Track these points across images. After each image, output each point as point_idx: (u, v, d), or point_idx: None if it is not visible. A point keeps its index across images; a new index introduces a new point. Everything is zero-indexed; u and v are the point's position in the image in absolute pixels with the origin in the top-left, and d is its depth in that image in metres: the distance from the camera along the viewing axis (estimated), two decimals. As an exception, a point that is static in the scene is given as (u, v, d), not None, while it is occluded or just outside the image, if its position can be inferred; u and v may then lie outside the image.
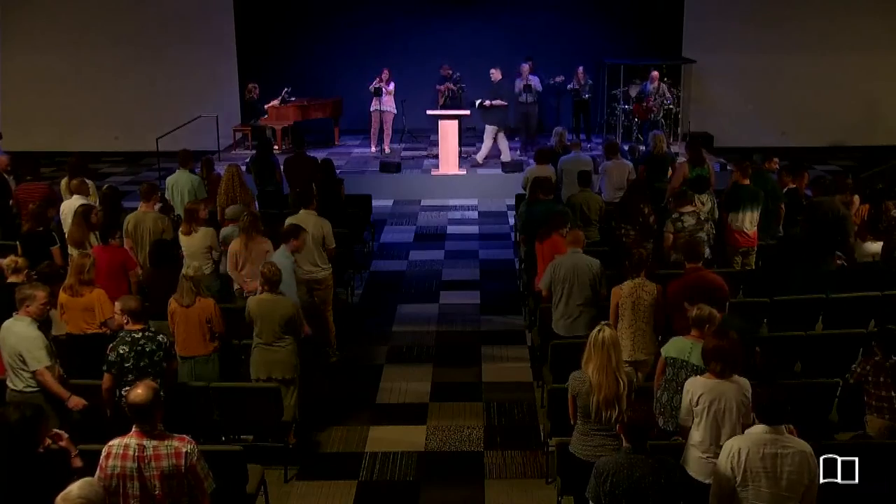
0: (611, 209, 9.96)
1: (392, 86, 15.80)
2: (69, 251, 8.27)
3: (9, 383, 5.85)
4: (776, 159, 10.27)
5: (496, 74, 14.93)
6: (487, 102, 14.61)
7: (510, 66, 16.32)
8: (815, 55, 17.31)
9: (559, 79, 16.42)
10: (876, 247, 8.56)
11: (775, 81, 17.43)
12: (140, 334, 5.72)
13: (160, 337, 5.78)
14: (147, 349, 5.69)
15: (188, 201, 9.18)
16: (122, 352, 5.66)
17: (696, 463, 4.95)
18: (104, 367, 5.72)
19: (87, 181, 9.73)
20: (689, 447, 5.01)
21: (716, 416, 4.89)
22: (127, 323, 5.82)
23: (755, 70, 17.34)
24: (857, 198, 9.35)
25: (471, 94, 15.37)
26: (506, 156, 14.90)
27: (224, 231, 8.52)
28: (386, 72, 15.73)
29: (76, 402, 5.86)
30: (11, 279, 6.82)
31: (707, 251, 8.15)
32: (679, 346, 5.63)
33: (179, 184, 9.98)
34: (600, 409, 5.00)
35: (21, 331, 5.81)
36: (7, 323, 5.90)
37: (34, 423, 4.51)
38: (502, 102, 14.69)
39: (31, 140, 16.70)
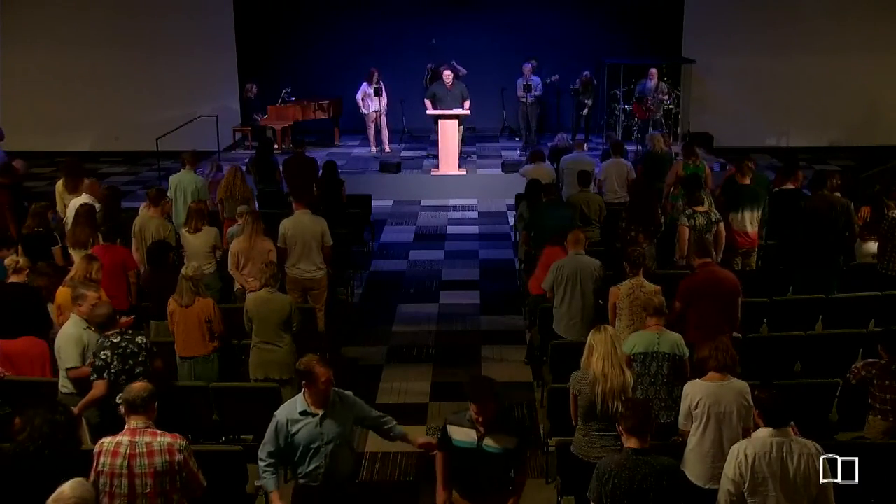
0: (613, 209, 9.98)
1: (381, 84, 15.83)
2: (69, 251, 8.27)
3: None
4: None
5: (449, 77, 14.76)
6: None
7: (510, 67, 16.38)
8: (815, 55, 17.29)
9: (554, 78, 16.46)
10: (876, 247, 8.54)
11: (775, 81, 17.42)
12: (119, 338, 5.67)
13: (139, 339, 5.73)
14: (129, 351, 5.63)
15: (192, 201, 9.17)
16: (104, 357, 5.59)
17: (695, 467, 4.94)
18: (93, 376, 5.62)
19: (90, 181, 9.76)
20: (689, 451, 5.00)
21: (716, 419, 4.89)
22: (98, 332, 5.77)
23: (755, 70, 17.32)
24: (801, 174, 9.39)
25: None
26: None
27: (231, 230, 8.55)
28: (375, 71, 15.71)
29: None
30: (13, 279, 6.83)
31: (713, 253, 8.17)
32: (646, 340, 5.73)
33: (183, 184, 10.00)
34: (606, 401, 4.99)
35: (65, 329, 5.93)
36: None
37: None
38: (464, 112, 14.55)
39: (31, 140, 16.69)
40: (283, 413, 4.71)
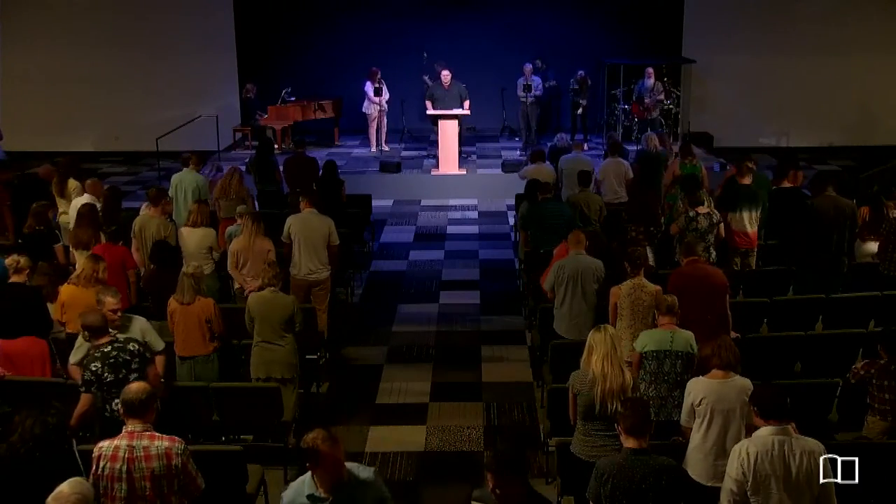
0: (613, 209, 9.98)
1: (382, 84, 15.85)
2: (71, 251, 8.27)
3: None
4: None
5: (447, 77, 14.77)
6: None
7: (510, 67, 16.39)
8: (815, 55, 17.30)
9: (552, 83, 16.50)
10: (876, 247, 8.54)
11: (775, 82, 17.42)
12: (109, 347, 5.45)
13: (131, 346, 5.51)
14: (121, 360, 5.41)
15: (193, 200, 9.18)
16: (95, 369, 5.39)
17: (698, 465, 4.94)
18: (81, 388, 5.44)
19: (77, 182, 9.77)
20: (691, 449, 5.00)
21: (719, 417, 4.89)
22: (89, 339, 5.59)
23: (755, 70, 17.32)
24: (801, 174, 9.35)
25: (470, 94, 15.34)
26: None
27: (230, 229, 8.56)
28: (378, 71, 15.72)
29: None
30: (14, 279, 6.82)
31: (713, 253, 8.17)
32: (658, 338, 5.72)
33: (184, 183, 10.01)
34: (605, 401, 4.99)
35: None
36: None
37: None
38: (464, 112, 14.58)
39: (31, 140, 16.69)
40: (289, 495, 4.06)
